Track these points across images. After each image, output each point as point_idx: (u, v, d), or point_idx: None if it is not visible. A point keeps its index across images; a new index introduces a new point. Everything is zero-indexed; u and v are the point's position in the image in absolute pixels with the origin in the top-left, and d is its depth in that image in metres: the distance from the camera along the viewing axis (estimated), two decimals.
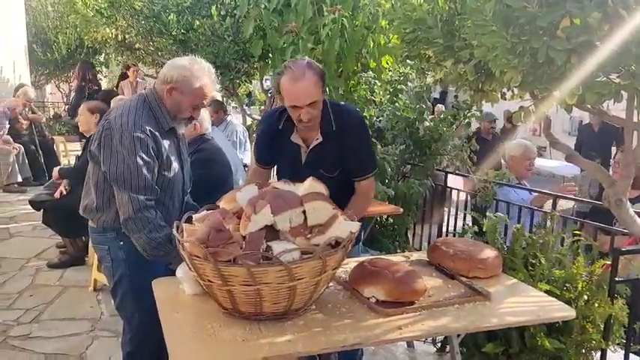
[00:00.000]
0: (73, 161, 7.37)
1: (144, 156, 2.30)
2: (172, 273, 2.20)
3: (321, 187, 1.95)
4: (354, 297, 2.00)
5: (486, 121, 8.20)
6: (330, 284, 1.99)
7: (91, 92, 8.47)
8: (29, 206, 5.22)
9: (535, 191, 3.91)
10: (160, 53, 6.88)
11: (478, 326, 1.90)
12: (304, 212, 1.83)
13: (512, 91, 2.80)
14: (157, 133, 2.36)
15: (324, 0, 5.02)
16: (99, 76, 10.66)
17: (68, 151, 9.32)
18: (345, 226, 1.82)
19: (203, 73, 2.41)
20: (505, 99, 3.03)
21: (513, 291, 2.13)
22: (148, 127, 2.32)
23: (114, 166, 2.29)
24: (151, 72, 9.64)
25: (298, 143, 2.50)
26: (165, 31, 5.99)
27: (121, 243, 2.40)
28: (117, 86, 9.87)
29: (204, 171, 3.11)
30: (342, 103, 3.07)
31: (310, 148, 2.49)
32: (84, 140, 4.99)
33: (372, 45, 5.01)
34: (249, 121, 7.59)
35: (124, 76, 9.95)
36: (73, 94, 10.99)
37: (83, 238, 4.94)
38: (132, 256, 2.37)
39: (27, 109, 8.42)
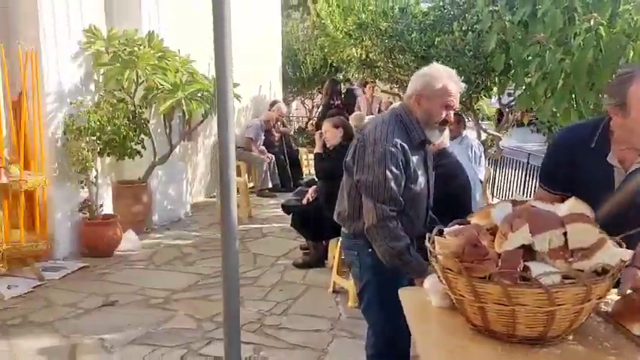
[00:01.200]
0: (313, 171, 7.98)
1: (393, 169, 2.40)
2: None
3: (584, 208, 1.82)
4: (618, 332, 1.81)
5: None
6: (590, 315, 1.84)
7: (335, 107, 9.10)
8: (278, 210, 5.81)
9: None
10: (397, 70, 7.15)
11: None
12: (565, 234, 1.73)
13: None
14: (406, 148, 2.45)
15: (576, 8, 4.69)
16: None
17: (310, 162, 10.14)
18: (615, 253, 1.66)
19: (441, 74, 2.46)
20: None
21: None
22: (398, 141, 2.43)
23: (364, 176, 2.44)
24: (386, 88, 10.03)
25: (614, 165, 2.15)
26: (407, 48, 6.20)
27: (370, 250, 2.51)
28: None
29: (444, 186, 3.12)
30: None
31: (629, 171, 2.14)
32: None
33: (631, 54, 4.52)
34: (483, 136, 7.43)
35: (348, 93, 10.49)
36: (317, 109, 11.98)
37: (324, 242, 5.33)
38: (379, 264, 2.47)
39: (279, 123, 9.38)
